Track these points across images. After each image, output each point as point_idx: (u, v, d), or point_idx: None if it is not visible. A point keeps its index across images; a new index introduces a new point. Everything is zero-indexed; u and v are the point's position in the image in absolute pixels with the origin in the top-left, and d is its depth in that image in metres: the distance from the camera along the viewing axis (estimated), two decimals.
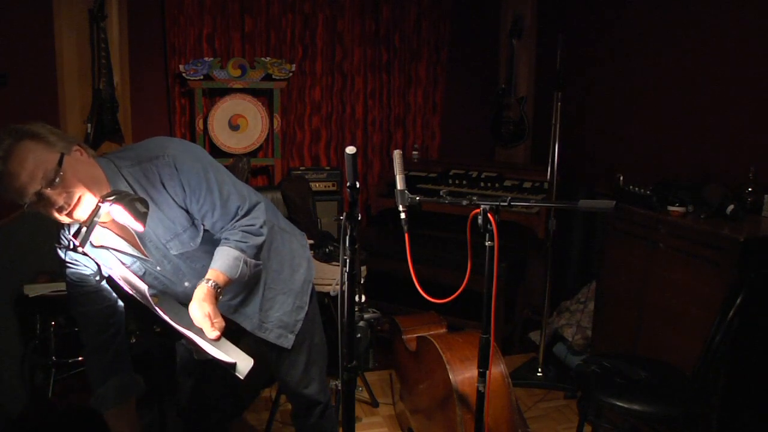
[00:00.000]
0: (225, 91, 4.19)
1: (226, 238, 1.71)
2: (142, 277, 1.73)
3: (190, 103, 4.19)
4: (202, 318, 1.58)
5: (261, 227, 1.74)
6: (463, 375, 2.20)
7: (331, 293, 2.96)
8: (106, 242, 1.68)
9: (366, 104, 4.56)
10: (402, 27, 4.51)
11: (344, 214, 1.49)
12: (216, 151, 4.10)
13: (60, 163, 1.44)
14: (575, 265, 4.04)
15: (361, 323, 2.11)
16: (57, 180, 1.43)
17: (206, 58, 4.10)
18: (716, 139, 2.99)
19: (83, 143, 1.58)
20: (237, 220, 1.71)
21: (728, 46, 2.90)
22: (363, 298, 2.65)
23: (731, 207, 2.52)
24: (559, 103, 3.23)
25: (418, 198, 1.63)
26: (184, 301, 1.78)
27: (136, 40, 3.97)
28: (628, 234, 2.88)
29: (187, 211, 1.67)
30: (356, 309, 1.74)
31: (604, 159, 3.80)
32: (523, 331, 3.98)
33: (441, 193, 1.72)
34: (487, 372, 1.64)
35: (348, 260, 1.46)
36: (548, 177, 3.34)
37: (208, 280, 1.63)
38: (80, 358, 3.03)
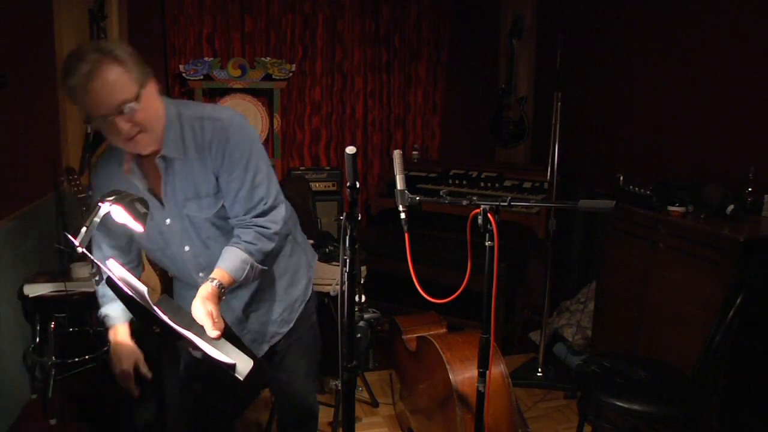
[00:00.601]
0: (225, 91, 4.19)
1: (237, 236, 1.70)
2: (144, 225, 1.71)
3: None
4: (204, 316, 1.57)
5: (275, 233, 1.73)
6: (463, 375, 2.20)
7: (331, 293, 2.97)
8: (132, 173, 1.69)
9: (366, 104, 4.56)
10: (402, 27, 4.51)
11: (344, 214, 1.49)
12: None
13: (137, 98, 1.50)
14: (575, 265, 4.04)
15: (361, 323, 2.11)
16: (127, 111, 1.49)
17: (206, 58, 4.10)
18: (716, 139, 2.98)
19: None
20: (255, 215, 1.70)
21: (728, 46, 2.90)
22: (363, 298, 2.65)
23: (731, 207, 2.52)
24: (559, 103, 3.23)
25: (418, 198, 1.63)
26: (179, 265, 1.81)
27: (136, 40, 3.97)
28: (628, 234, 2.88)
29: (216, 181, 1.68)
30: (356, 309, 1.75)
31: (604, 159, 3.80)
32: (523, 331, 3.98)
33: (441, 193, 1.71)
34: (487, 372, 1.64)
35: (348, 260, 1.45)
36: (548, 177, 3.34)
37: (213, 279, 1.62)
38: (79, 359, 3.04)
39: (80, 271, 2.98)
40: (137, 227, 1.56)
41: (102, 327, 2.93)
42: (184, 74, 4.03)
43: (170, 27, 4.07)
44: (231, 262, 1.65)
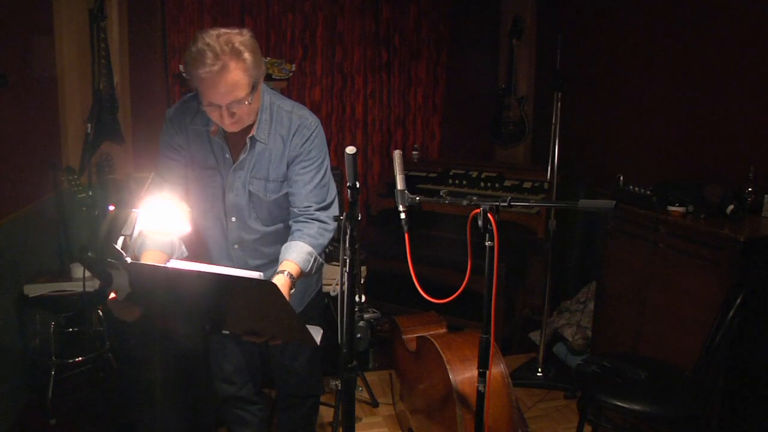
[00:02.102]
0: None
1: (299, 230, 1.82)
2: (199, 184, 1.87)
3: None
4: None
5: (333, 229, 1.86)
6: (463, 375, 2.20)
7: (331, 293, 2.97)
8: (219, 135, 1.83)
9: (366, 104, 4.56)
10: (402, 27, 4.51)
11: (344, 214, 1.49)
12: None
13: (247, 97, 1.67)
14: (575, 265, 4.04)
15: (361, 323, 2.11)
16: (235, 107, 1.67)
17: None
18: (716, 139, 2.98)
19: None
20: (318, 209, 1.85)
21: (728, 46, 2.90)
22: (363, 298, 2.65)
23: (731, 207, 2.52)
24: (559, 103, 3.23)
25: (418, 198, 1.63)
26: (216, 231, 1.93)
27: (136, 40, 3.97)
28: (628, 234, 2.88)
29: (286, 169, 1.85)
30: (356, 309, 1.76)
31: (604, 159, 3.80)
32: (523, 331, 3.98)
33: (441, 193, 1.72)
34: (487, 372, 1.64)
35: (348, 260, 1.46)
36: (548, 177, 3.34)
37: (284, 271, 1.71)
38: (79, 359, 3.04)
39: (80, 271, 2.98)
40: (180, 228, 1.59)
41: (102, 327, 2.96)
42: (184, 74, 4.02)
43: (170, 27, 4.07)
44: (299, 254, 1.76)
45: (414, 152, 4.54)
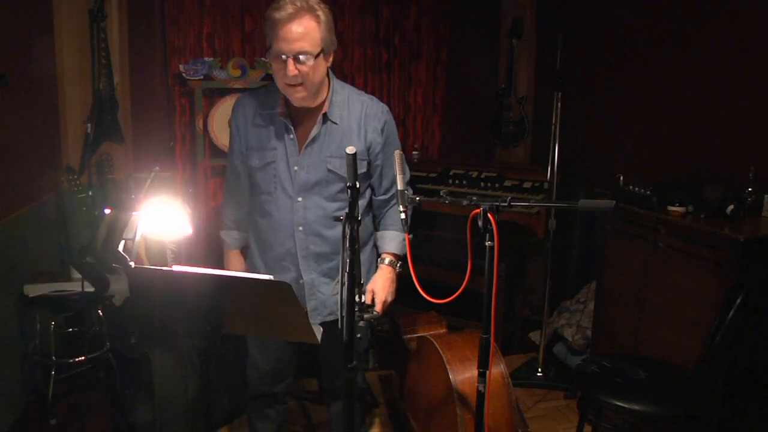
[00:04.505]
0: (225, 91, 4.18)
1: (391, 217, 2.09)
2: (263, 167, 1.95)
3: (190, 103, 4.19)
4: (380, 296, 2.07)
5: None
6: (463, 375, 2.20)
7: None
8: (285, 116, 1.91)
9: None
10: (402, 27, 4.50)
11: (344, 214, 1.49)
12: (216, 151, 4.10)
13: (315, 56, 1.76)
14: (575, 265, 4.04)
15: (361, 323, 2.12)
16: (301, 60, 1.75)
17: (206, 58, 4.10)
18: (716, 139, 2.99)
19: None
20: (391, 198, 2.08)
21: (728, 46, 2.90)
22: (363, 298, 2.65)
23: (731, 207, 2.52)
24: (559, 103, 3.23)
25: (418, 198, 1.63)
26: (281, 215, 1.98)
27: (136, 40, 3.97)
28: (628, 234, 2.88)
29: (367, 151, 1.96)
30: (356, 309, 1.77)
31: (604, 159, 3.80)
32: (523, 331, 3.98)
33: (441, 193, 1.72)
34: (487, 372, 1.64)
35: (348, 260, 1.46)
36: (548, 177, 3.34)
37: (390, 261, 2.09)
38: (79, 359, 3.03)
39: None
40: (181, 231, 1.60)
41: (102, 327, 2.96)
42: (184, 74, 4.03)
43: (170, 27, 4.06)
44: (396, 241, 2.10)
45: (414, 152, 4.54)
